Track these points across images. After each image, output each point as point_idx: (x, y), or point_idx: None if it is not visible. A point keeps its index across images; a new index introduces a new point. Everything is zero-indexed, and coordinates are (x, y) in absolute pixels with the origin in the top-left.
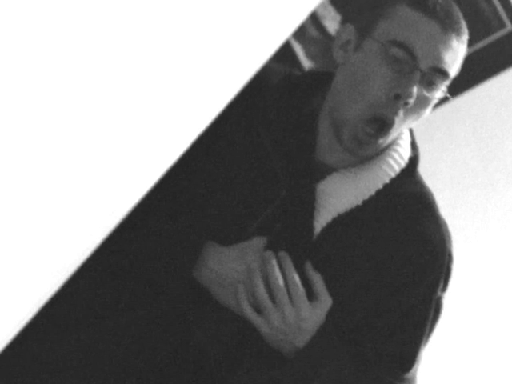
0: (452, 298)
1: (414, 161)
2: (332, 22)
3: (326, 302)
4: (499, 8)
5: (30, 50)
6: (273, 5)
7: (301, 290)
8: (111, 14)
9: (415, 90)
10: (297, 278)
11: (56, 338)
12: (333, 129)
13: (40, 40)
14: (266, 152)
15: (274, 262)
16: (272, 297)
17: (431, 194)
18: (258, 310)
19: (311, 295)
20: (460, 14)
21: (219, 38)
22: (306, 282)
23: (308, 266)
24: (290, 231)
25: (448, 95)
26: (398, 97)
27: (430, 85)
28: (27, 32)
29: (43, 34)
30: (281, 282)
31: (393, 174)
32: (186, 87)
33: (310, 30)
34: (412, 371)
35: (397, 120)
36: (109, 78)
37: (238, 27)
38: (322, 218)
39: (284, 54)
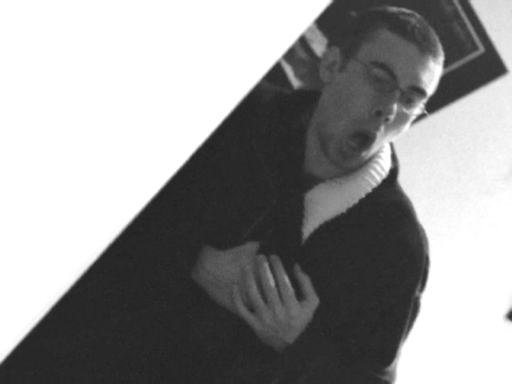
0: (429, 298)
1: (394, 172)
2: (319, 45)
3: (313, 301)
4: (472, 32)
5: (44, 55)
6: (265, 29)
7: (290, 290)
8: (113, 26)
9: (395, 107)
10: (287, 280)
11: (66, 335)
12: (320, 143)
13: (52, 46)
14: (259, 164)
15: (266, 264)
16: (264, 297)
17: (410, 203)
18: (252, 309)
19: (300, 295)
20: (436, 37)
21: (216, 60)
22: (295, 283)
23: (297, 268)
24: (281, 236)
25: (425, 112)
26: (379, 113)
27: (408, 102)
28: (30, 33)
29: (53, 37)
30: (272, 283)
31: (375, 184)
32: (188, 105)
33: (299, 52)
34: (392, 365)
35: (378, 135)
36: (116, 97)
37: (234, 50)
38: (310, 225)
39: (275, 74)
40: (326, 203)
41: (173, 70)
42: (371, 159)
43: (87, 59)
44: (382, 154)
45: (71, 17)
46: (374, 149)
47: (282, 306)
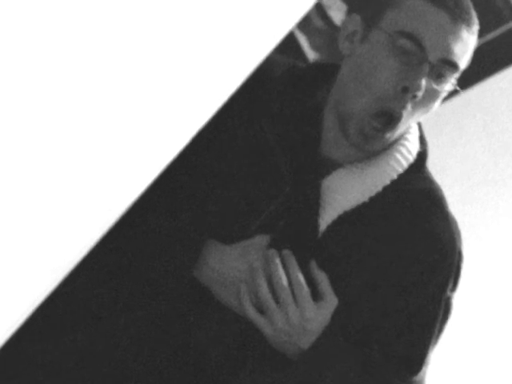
0: (462, 298)
1: (422, 156)
2: (338, 12)
3: (331, 301)
4: None
5: (20, 43)
6: None
7: (305, 289)
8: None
9: (424, 82)
10: (301, 277)
11: (51, 340)
12: (338, 123)
13: (31, 33)
14: (269, 146)
15: (278, 260)
16: (275, 297)
17: (440, 190)
18: (261, 311)
19: (316, 295)
20: (470, 4)
21: (222, 28)
22: (311, 282)
23: (313, 264)
24: (294, 229)
25: (458, 88)
26: (405, 90)
27: (439, 77)
28: (24, 31)
29: (35, 29)
30: (284, 281)
31: (400, 170)
32: (187, 79)
33: (315, 20)
34: (421, 374)
35: (405, 114)
36: (105, 68)
37: (241, 17)
38: (327, 215)
39: (288, 45)
40: (346, 191)
41: (174, 41)
42: (396, 142)
43: (77, 47)
44: (408, 136)
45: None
46: (400, 129)
47: (296, 307)
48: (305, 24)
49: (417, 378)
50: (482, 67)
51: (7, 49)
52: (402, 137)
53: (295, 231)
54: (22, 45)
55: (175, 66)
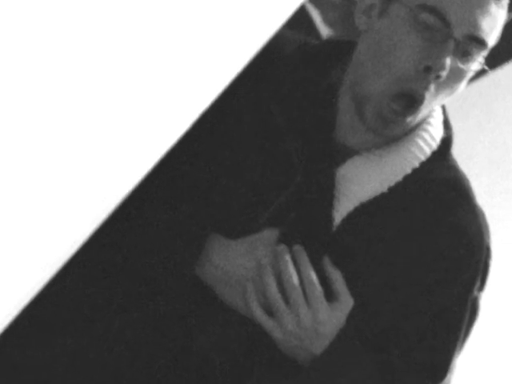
0: (490, 299)
1: (447, 142)
2: None
3: (346, 302)
4: None
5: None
6: None
7: (318, 289)
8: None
9: (448, 61)
10: (313, 276)
11: (39, 343)
12: (355, 105)
13: (26, 32)
14: (279, 131)
15: (288, 257)
16: (285, 297)
17: (467, 180)
18: (270, 312)
19: (330, 295)
20: None
21: (228, 1)
22: (324, 281)
23: (326, 261)
24: (306, 222)
25: (486, 67)
26: (428, 69)
27: (465, 55)
28: (23, 31)
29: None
30: (295, 280)
31: (423, 157)
32: (189, 55)
33: None
34: (445, 381)
35: (427, 95)
36: (98, 53)
37: None
38: (343, 207)
39: (299, 20)
40: (363, 181)
41: (174, 16)
42: (418, 126)
43: (74, 43)
44: (431, 120)
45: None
46: (422, 113)
47: (308, 308)
48: None
49: None
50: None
51: (5, 48)
52: (424, 121)
53: (307, 225)
54: (16, 41)
55: (177, 43)
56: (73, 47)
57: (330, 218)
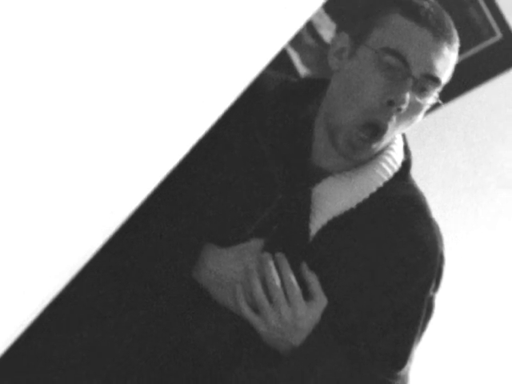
0: (443, 298)
1: (406, 165)
2: (327, 31)
3: (321, 301)
4: (489, 17)
5: (30, 51)
6: (270, 14)
7: (297, 290)
8: (110, 24)
9: (408, 96)
10: (293, 279)
11: (60, 337)
12: (328, 134)
13: (43, 43)
14: (263, 156)
15: (271, 263)
16: (269, 297)
17: (423, 197)
18: (256, 310)
19: (307, 295)
20: (451, 23)
21: (218, 47)
22: (302, 283)
23: (304, 266)
24: (287, 233)
25: (440, 101)
26: (391, 103)
27: (422, 91)
28: (27, 32)
29: (44, 34)
30: (278, 282)
31: (386, 178)
32: (187, 94)
33: (306, 38)
34: (405, 369)
35: (390, 125)
36: (112, 86)
37: (237, 36)
38: (318, 221)
39: (281, 61)
40: (335, 198)
41: (170, 57)
42: (382, 151)
43: (81, 51)
44: (393, 146)
45: (61, 13)
46: (386, 140)
47: (288, 306)
48: (296, 41)
49: (401, 372)
50: (462, 82)
51: (9, 50)
52: (387, 147)
53: (287, 235)
54: (28, 48)
55: (177, 80)
56: (84, 61)
57: (306, 230)
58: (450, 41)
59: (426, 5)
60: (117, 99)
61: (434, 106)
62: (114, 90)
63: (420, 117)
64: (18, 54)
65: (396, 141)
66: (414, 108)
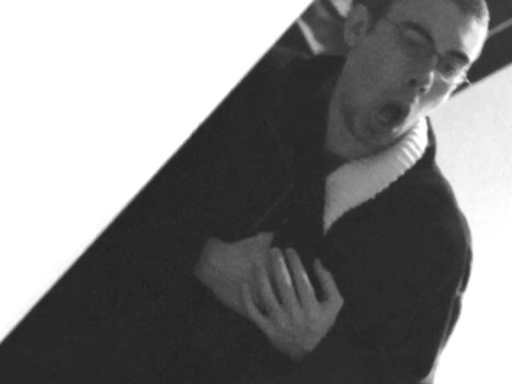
0: (471, 299)
1: (430, 151)
2: (343, 3)
3: (336, 302)
4: None
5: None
6: None
7: (310, 289)
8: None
9: (432, 75)
10: (305, 277)
11: (47, 341)
12: (344, 117)
13: (30, 33)
14: (273, 141)
15: (281, 259)
16: (279, 297)
17: (449, 187)
18: (264, 311)
19: (321, 295)
20: None
21: (224, 18)
22: (316, 281)
23: (317, 263)
24: (298, 226)
25: (467, 81)
26: (413, 82)
27: (447, 70)
28: (24, 31)
29: (36, 30)
30: (288, 280)
31: (408, 166)
32: (187, 71)
33: (320, 11)
34: (429, 376)
35: (412, 107)
36: (103, 61)
37: (244, 8)
38: (333, 213)
39: (292, 36)
40: (352, 188)
41: (172, 33)
42: (404, 136)
43: (76, 46)
44: (416, 131)
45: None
46: (408, 124)
47: (300, 307)
48: (309, 15)
49: (425, 380)
50: (492, 59)
51: (7, 48)
52: (409, 131)
53: (299, 229)
54: (20, 44)
55: (175, 59)
56: (78, 54)
57: (320, 223)
58: (478, 14)
59: None
60: (112, 85)
61: (461, 86)
62: (108, 77)
63: (445, 98)
64: (11, 49)
65: (419, 124)
66: (439, 88)
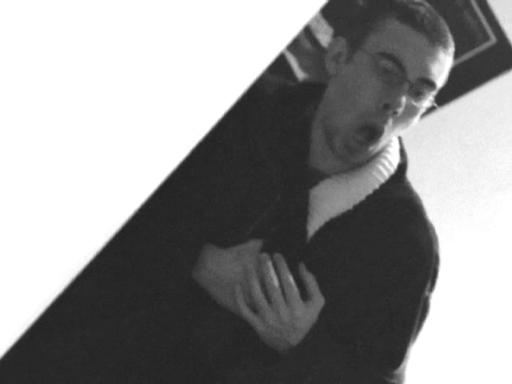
0: (439, 298)
1: (402, 167)
2: (325, 35)
3: (318, 301)
4: (484, 21)
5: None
6: (268, 19)
7: (295, 290)
8: (111, 26)
9: (404, 99)
10: (291, 279)
11: (62, 336)
12: (325, 137)
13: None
14: (262, 159)
15: (270, 263)
16: (267, 297)
17: (419, 199)
18: (254, 310)
19: (305, 295)
20: (446, 28)
21: (217, 51)
22: (300, 283)
23: (302, 267)
24: (285, 234)
25: (435, 105)
26: (387, 106)
27: (417, 95)
28: (27, 32)
29: (43, 34)
30: (276, 282)
31: (382, 180)
32: (187, 98)
33: (304, 42)
34: (401, 367)
35: (386, 128)
36: (114, 91)
37: (235, 41)
38: (315, 222)
39: (279, 65)
40: (332, 200)
41: (170, 62)
42: (379, 154)
43: (83, 53)
44: (389, 149)
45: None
46: (382, 143)
47: (286, 306)
48: (294, 46)
49: (397, 371)
50: (457, 85)
51: (9, 50)
52: (383, 149)
53: (286, 236)
54: (32, 50)
55: (178, 83)
56: (86, 63)
57: (304, 231)
58: (445, 45)
59: (422, 10)
60: (119, 103)
61: (430, 110)
62: (115, 95)
63: (416, 120)
64: (17, 53)
65: (392, 143)
66: (410, 111)
